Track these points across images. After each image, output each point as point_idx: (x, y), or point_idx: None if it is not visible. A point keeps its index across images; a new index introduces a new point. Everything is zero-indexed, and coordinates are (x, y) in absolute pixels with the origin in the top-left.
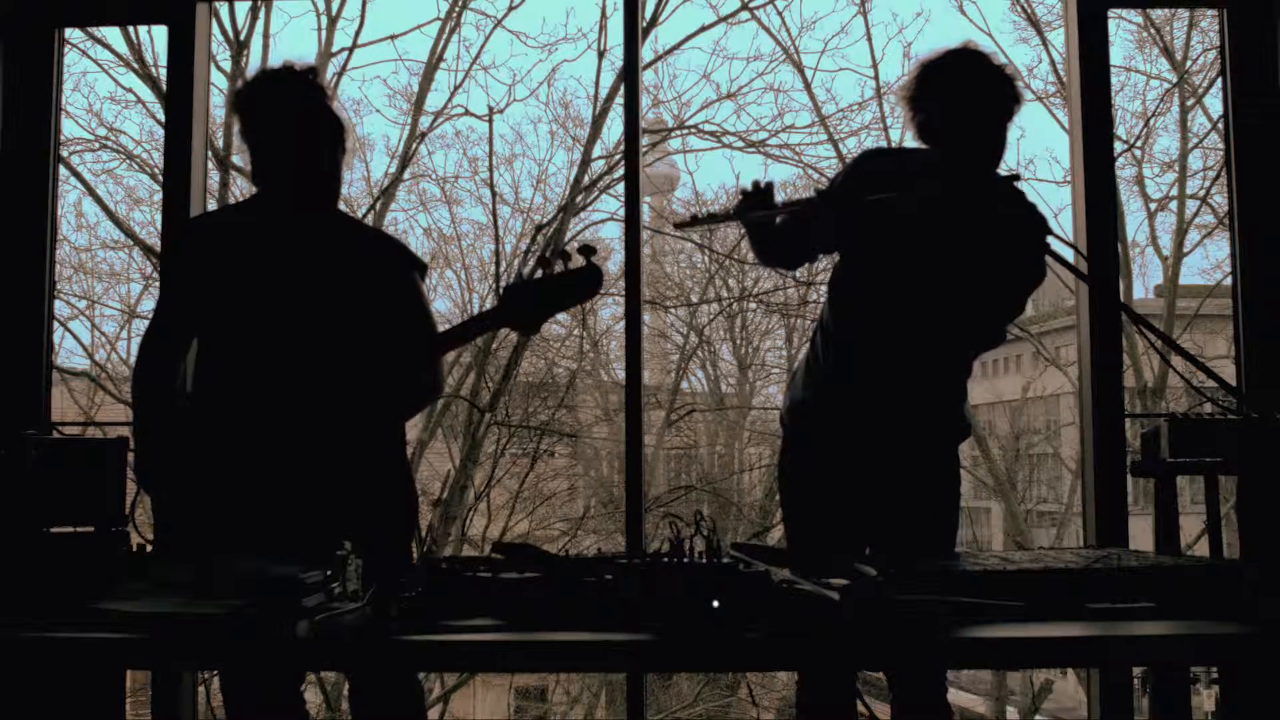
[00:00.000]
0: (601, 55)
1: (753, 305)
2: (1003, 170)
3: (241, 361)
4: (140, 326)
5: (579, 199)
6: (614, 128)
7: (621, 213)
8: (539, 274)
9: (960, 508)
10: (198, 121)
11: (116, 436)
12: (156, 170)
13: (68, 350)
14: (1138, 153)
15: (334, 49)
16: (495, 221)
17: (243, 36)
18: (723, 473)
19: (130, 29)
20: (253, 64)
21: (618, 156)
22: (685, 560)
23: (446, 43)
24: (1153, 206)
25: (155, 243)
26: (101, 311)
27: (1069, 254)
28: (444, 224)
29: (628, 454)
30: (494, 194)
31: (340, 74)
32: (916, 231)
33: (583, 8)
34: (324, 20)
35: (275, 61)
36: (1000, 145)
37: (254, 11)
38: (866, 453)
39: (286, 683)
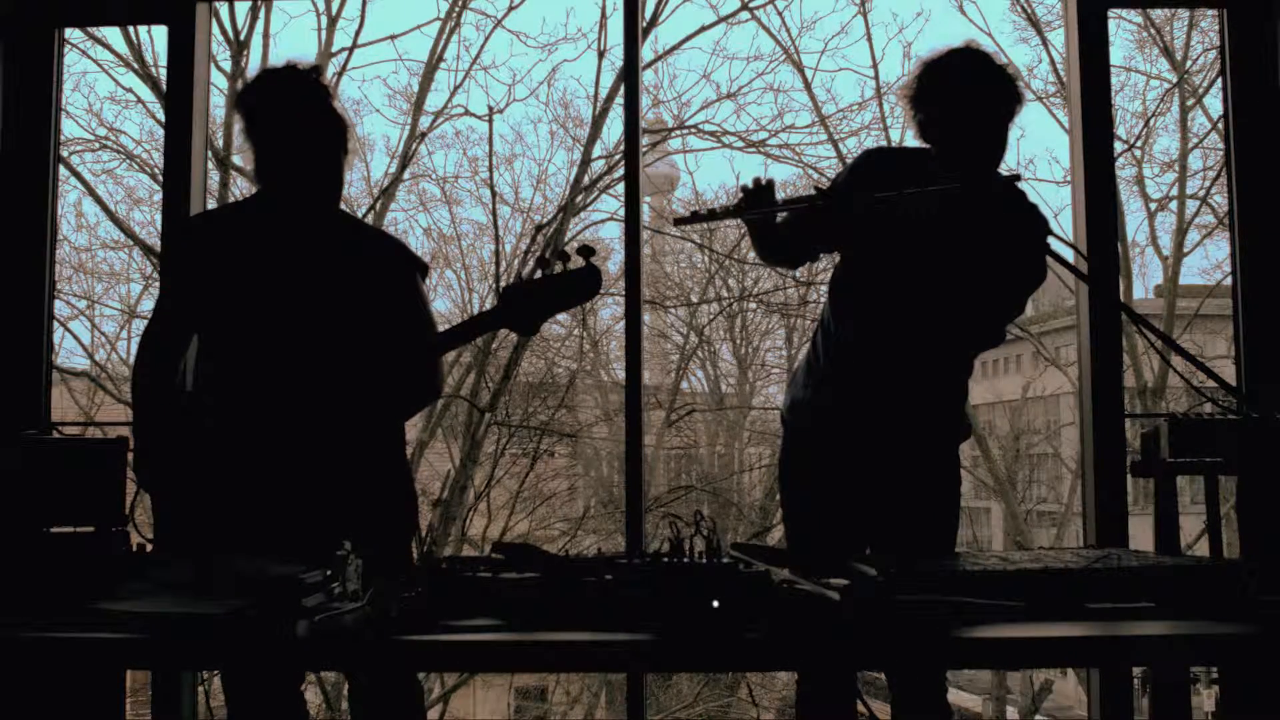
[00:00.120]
0: (601, 55)
1: (753, 305)
2: (1004, 170)
3: (241, 360)
4: (140, 326)
5: (579, 199)
6: (614, 128)
7: (621, 213)
8: (538, 275)
9: (960, 508)
10: (198, 121)
11: (116, 436)
12: (156, 170)
13: (68, 350)
14: (1138, 153)
15: (334, 49)
16: (495, 221)
17: (243, 36)
18: (723, 473)
19: (130, 29)
20: (253, 64)
21: (618, 156)
22: (685, 560)
23: (446, 43)
24: (1153, 206)
25: (155, 243)
26: (101, 311)
27: (1069, 254)
28: (444, 224)
29: (628, 454)
30: (494, 194)
31: (340, 74)
32: (918, 231)
33: (583, 8)
34: (324, 20)
35: (277, 61)
36: (1001, 145)
37: (254, 11)
38: (867, 452)
39: (286, 683)
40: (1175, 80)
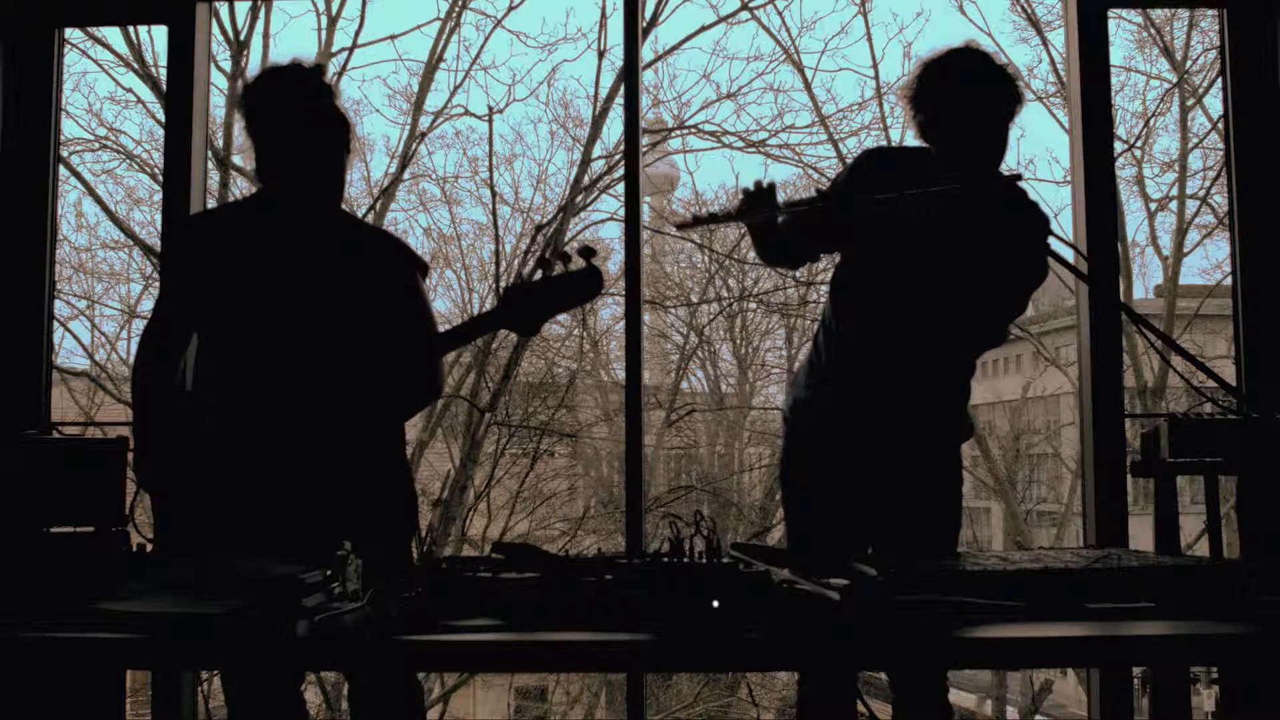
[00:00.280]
0: (601, 55)
1: (753, 305)
2: (1004, 170)
3: (241, 360)
4: (140, 326)
5: (579, 199)
6: (614, 128)
7: (621, 213)
8: (539, 275)
9: (962, 508)
10: (198, 121)
11: (116, 436)
12: (156, 170)
13: (68, 350)
14: (1138, 153)
15: (334, 49)
16: (495, 221)
17: (243, 36)
18: (723, 473)
19: (130, 29)
20: (253, 64)
21: (618, 156)
22: (685, 560)
23: (446, 43)
24: (1153, 206)
25: (155, 243)
26: (101, 311)
27: (1069, 254)
28: (444, 224)
29: (628, 454)
30: (494, 194)
31: (340, 74)
32: (919, 231)
33: (583, 8)
34: (324, 20)
35: (279, 60)
36: (1002, 145)
37: (254, 11)
38: (868, 452)
39: (286, 683)
40: (1175, 80)
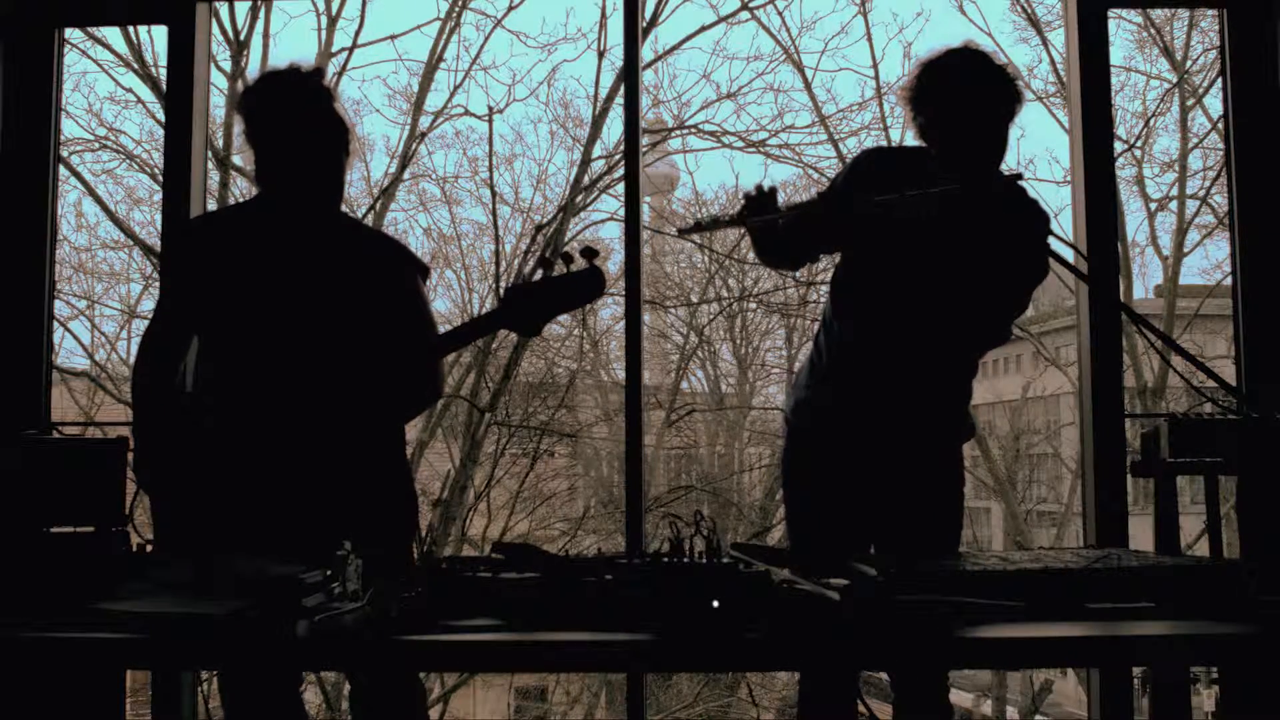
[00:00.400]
0: (601, 55)
1: (753, 305)
2: (1004, 170)
3: (242, 362)
4: (140, 326)
5: (579, 199)
6: (614, 128)
7: (621, 213)
8: (540, 276)
9: (963, 508)
10: (198, 121)
11: (116, 436)
12: (156, 170)
13: (68, 350)
14: (1138, 153)
15: (334, 49)
16: (495, 221)
17: (243, 36)
18: (723, 473)
19: (130, 29)
20: (253, 64)
21: (618, 156)
22: (685, 560)
23: (446, 43)
24: (1153, 206)
25: (155, 243)
26: (101, 311)
27: (1069, 254)
28: (444, 224)
29: (628, 454)
30: (494, 194)
31: (340, 74)
32: (919, 231)
33: (583, 8)
34: (324, 20)
35: (279, 62)
36: (1002, 145)
37: (254, 11)
38: (870, 452)
39: (286, 683)
40: (1175, 80)
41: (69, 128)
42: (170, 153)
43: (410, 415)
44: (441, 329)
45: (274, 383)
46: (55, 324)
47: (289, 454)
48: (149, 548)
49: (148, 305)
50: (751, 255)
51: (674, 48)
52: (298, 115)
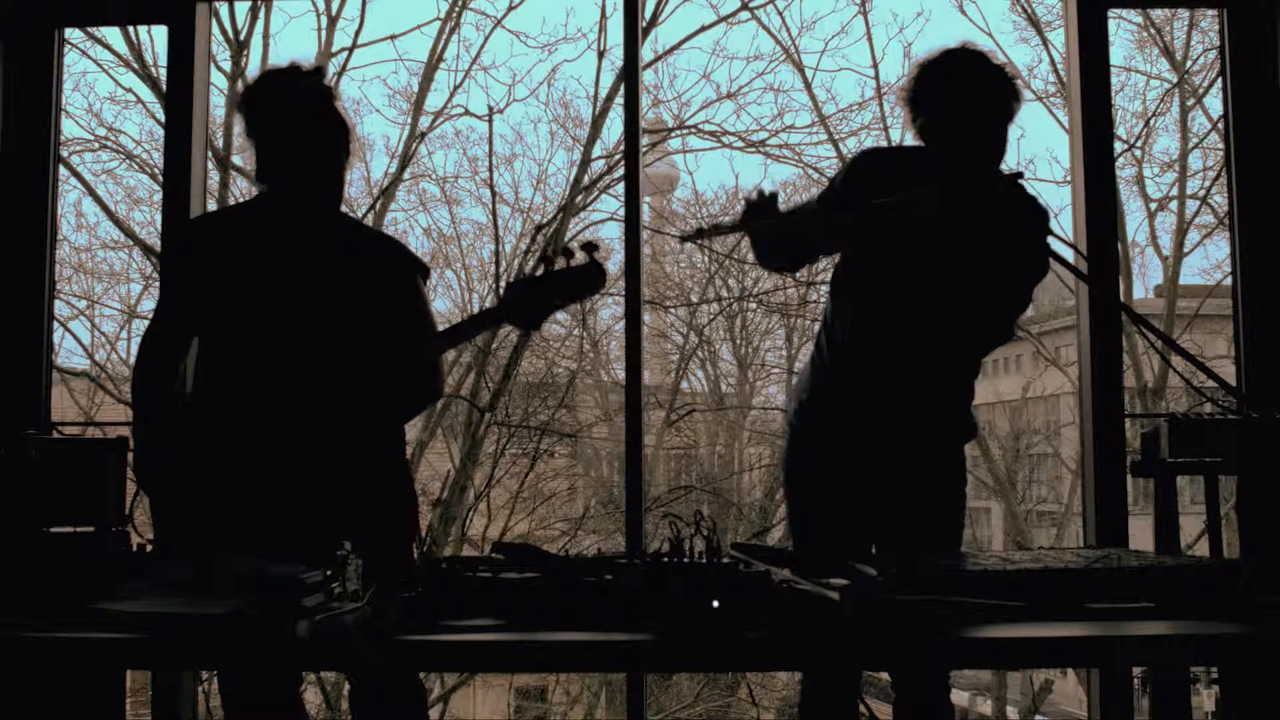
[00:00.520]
0: (601, 55)
1: (753, 305)
2: (1005, 169)
3: (242, 362)
4: (140, 326)
5: (579, 199)
6: (614, 128)
7: (621, 213)
8: (540, 270)
9: (966, 508)
10: (198, 121)
11: (116, 437)
12: (156, 170)
13: (68, 350)
14: (1138, 153)
15: (334, 49)
16: (495, 221)
17: (243, 36)
18: (723, 473)
19: (130, 29)
20: (253, 64)
21: (618, 156)
22: (685, 560)
23: (446, 43)
24: (1153, 206)
25: (155, 243)
26: (101, 311)
27: (1069, 253)
28: (444, 224)
29: (628, 454)
30: (494, 194)
31: (340, 74)
32: (920, 231)
33: (583, 8)
34: (324, 20)
35: (279, 61)
36: (1001, 145)
37: (254, 11)
38: (872, 453)
39: (286, 683)
40: (1175, 80)
41: (69, 128)
42: (170, 153)
43: (411, 414)
44: (441, 329)
45: (274, 382)
46: (55, 324)
47: (289, 454)
48: (149, 548)
49: (148, 305)
50: (751, 255)
51: (674, 48)
52: (298, 114)
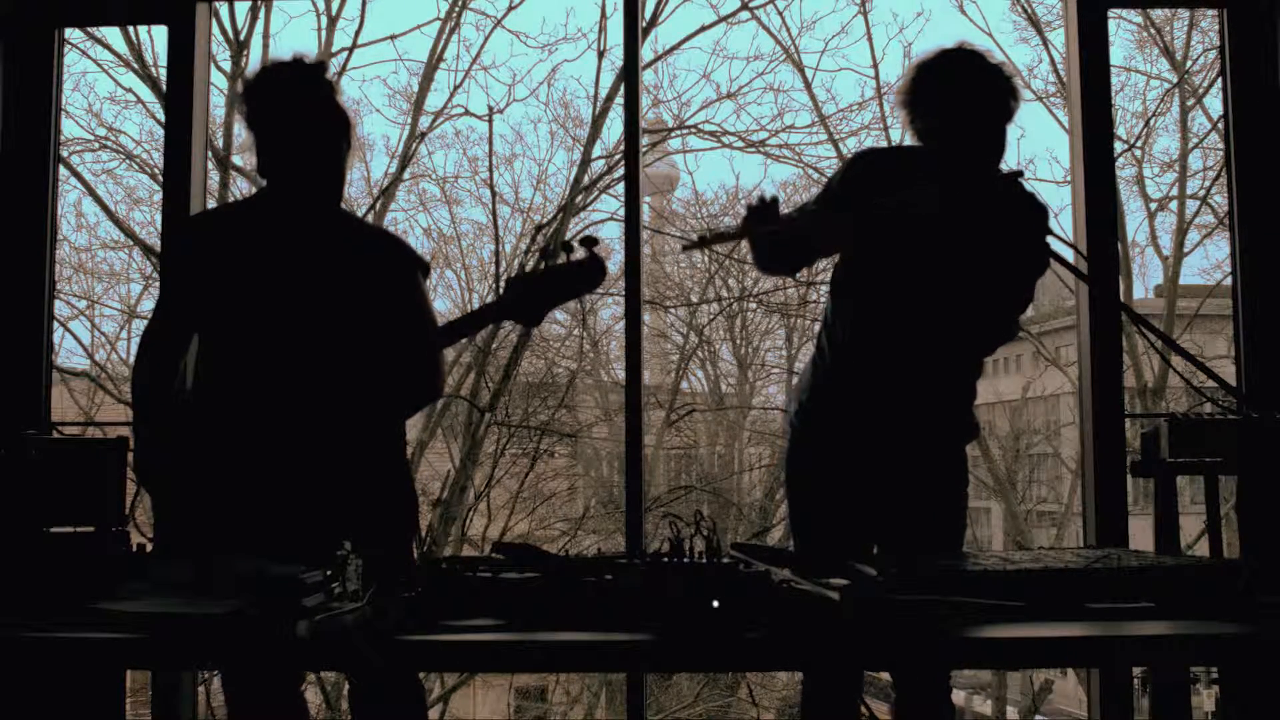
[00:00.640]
0: (601, 55)
1: (753, 305)
2: (1004, 168)
3: (242, 359)
4: (140, 326)
5: (579, 199)
6: (614, 128)
7: (621, 213)
8: (541, 266)
9: (967, 508)
10: (198, 121)
11: (116, 437)
12: (156, 170)
13: (68, 350)
14: (1138, 153)
15: (334, 49)
16: (495, 221)
17: (243, 36)
18: (723, 473)
19: (130, 29)
20: (253, 64)
21: (618, 156)
22: (685, 560)
23: (446, 43)
24: (1153, 206)
25: (155, 243)
26: (101, 311)
27: (1069, 253)
28: (444, 224)
29: (628, 454)
30: (494, 194)
31: (340, 74)
32: (920, 231)
33: (583, 8)
34: (324, 20)
35: (282, 55)
36: (1000, 144)
37: (254, 11)
38: (874, 453)
39: (286, 683)
40: (1175, 80)
41: (69, 128)
42: (170, 153)
43: (411, 411)
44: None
45: (275, 379)
46: (55, 324)
47: (290, 452)
48: (149, 548)
49: (148, 305)
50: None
51: (674, 48)
52: (300, 104)
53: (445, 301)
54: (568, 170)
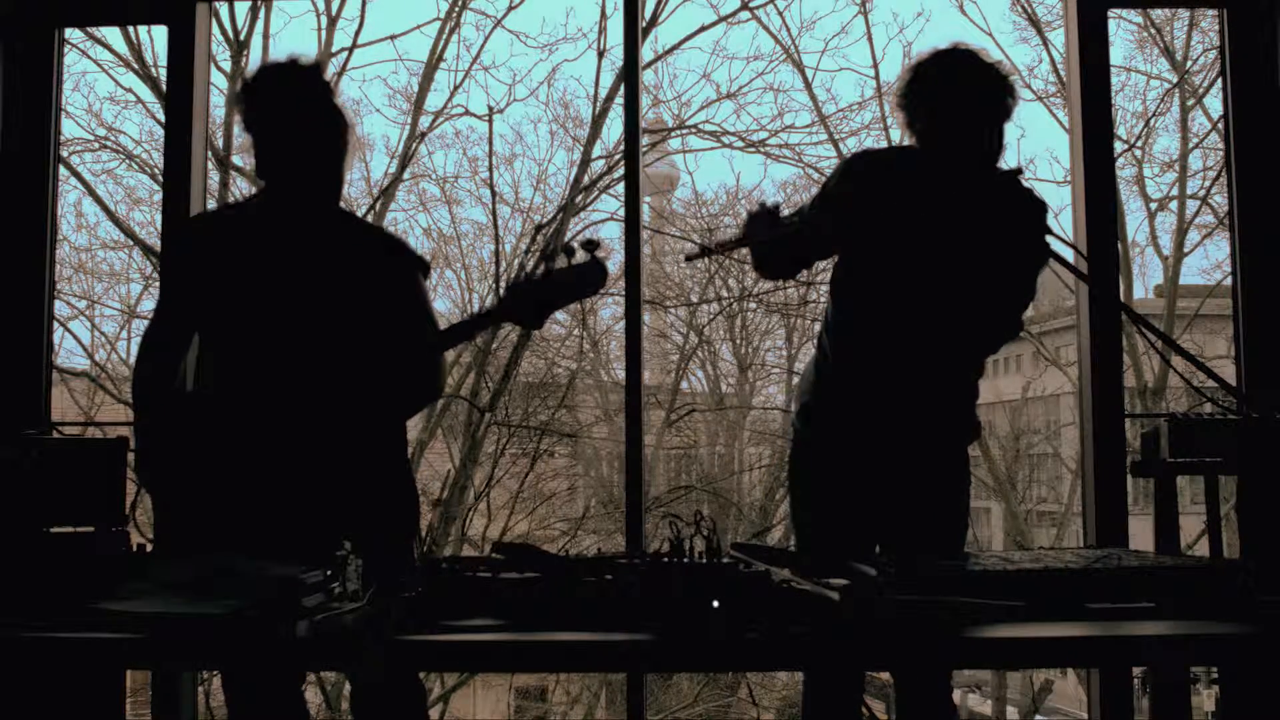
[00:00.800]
0: (601, 55)
1: (753, 305)
2: (1003, 166)
3: (242, 359)
4: (140, 326)
5: (579, 199)
6: (614, 128)
7: (621, 213)
8: (542, 269)
9: (969, 509)
10: (198, 121)
11: (116, 437)
12: (156, 170)
13: (68, 350)
14: (1138, 153)
15: (334, 49)
16: (495, 221)
17: (243, 36)
18: (723, 473)
19: (130, 29)
20: (253, 64)
21: (618, 156)
22: (685, 560)
23: (446, 43)
24: (1153, 206)
25: (155, 243)
26: (101, 311)
27: (1069, 253)
28: (444, 224)
29: (628, 454)
30: (494, 194)
31: (340, 74)
32: (919, 230)
33: (583, 8)
34: (324, 20)
35: (280, 56)
36: (998, 143)
37: (254, 11)
38: (876, 453)
39: (287, 683)
40: (1175, 80)
41: (69, 128)
42: (170, 153)
43: (412, 411)
44: (442, 327)
45: (275, 379)
46: (55, 324)
47: (291, 452)
48: (149, 548)
49: (148, 305)
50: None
51: (674, 48)
52: (297, 105)
53: (445, 301)
54: (568, 170)
